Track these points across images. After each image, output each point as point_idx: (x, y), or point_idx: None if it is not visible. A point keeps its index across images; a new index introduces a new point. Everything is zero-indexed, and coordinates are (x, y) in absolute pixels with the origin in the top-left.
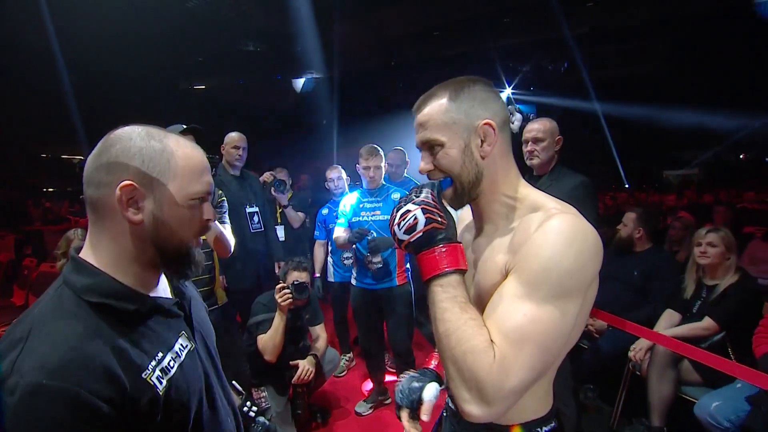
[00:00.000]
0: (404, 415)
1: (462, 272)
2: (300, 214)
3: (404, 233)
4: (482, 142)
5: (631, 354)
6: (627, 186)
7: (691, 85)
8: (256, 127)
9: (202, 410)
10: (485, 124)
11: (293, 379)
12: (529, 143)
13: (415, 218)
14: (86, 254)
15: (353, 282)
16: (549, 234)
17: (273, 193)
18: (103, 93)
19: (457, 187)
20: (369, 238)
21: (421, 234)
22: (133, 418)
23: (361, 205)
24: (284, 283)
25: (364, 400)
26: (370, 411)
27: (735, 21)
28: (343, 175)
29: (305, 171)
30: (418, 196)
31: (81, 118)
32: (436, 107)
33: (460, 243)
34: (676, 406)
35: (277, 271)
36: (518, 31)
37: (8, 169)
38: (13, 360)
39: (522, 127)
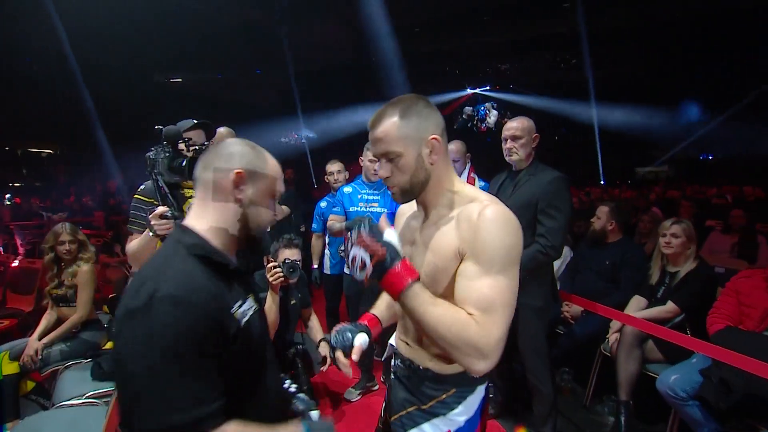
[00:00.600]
0: (338, 354)
1: (418, 278)
2: (284, 207)
3: (360, 273)
4: (430, 152)
5: (610, 336)
6: (603, 182)
7: (664, 86)
8: (235, 122)
9: (264, 360)
10: (433, 138)
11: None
12: (508, 141)
13: (362, 259)
14: (191, 222)
15: (346, 270)
16: (490, 223)
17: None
18: (76, 84)
19: (408, 188)
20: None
21: (371, 268)
22: (225, 334)
23: (359, 196)
24: (275, 261)
25: (353, 387)
26: (359, 397)
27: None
28: (343, 169)
29: (289, 165)
30: (353, 240)
31: (51, 112)
32: (390, 124)
33: (404, 258)
34: (640, 382)
35: (265, 263)
36: (498, 29)
37: None
38: (155, 281)
39: (497, 123)
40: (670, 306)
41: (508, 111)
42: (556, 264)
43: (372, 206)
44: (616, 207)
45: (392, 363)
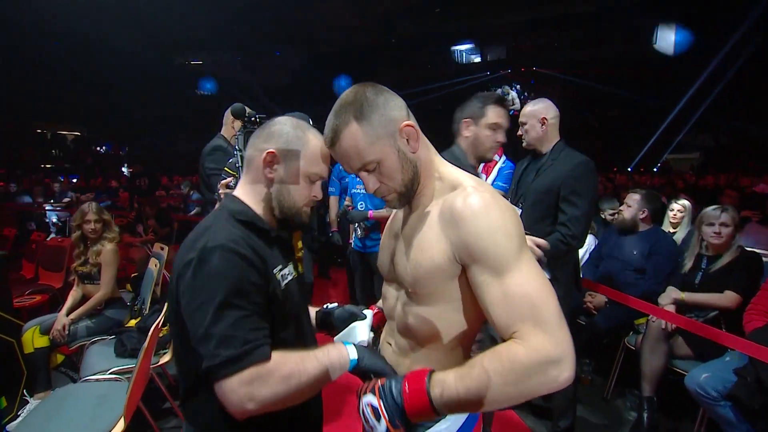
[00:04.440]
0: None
1: (431, 372)
2: None
3: (379, 424)
4: (408, 140)
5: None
6: (630, 169)
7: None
8: (252, 103)
9: (302, 323)
10: (405, 125)
11: None
12: (520, 127)
13: (371, 405)
14: (238, 193)
15: (351, 244)
16: (478, 219)
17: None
18: (99, 67)
19: (404, 190)
20: (348, 212)
21: (385, 413)
22: (268, 289)
23: (357, 179)
24: None
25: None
26: None
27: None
28: None
29: None
30: (361, 392)
31: (78, 95)
32: (352, 135)
33: (403, 376)
34: (666, 378)
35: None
36: (521, 7)
37: (6, 146)
38: (208, 236)
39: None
40: (729, 295)
41: (531, 92)
42: (580, 253)
43: (363, 188)
44: (648, 194)
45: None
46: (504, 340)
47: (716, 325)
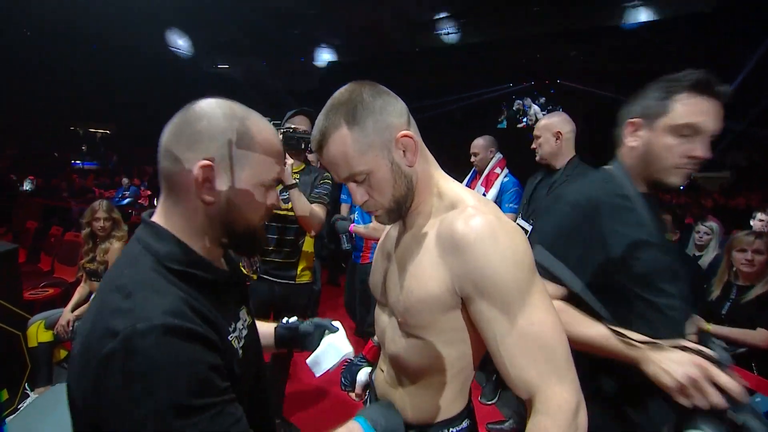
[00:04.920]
0: (351, 394)
1: None
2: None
3: None
4: (404, 152)
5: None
6: None
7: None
8: (278, 109)
9: (261, 378)
10: (402, 136)
11: None
12: (534, 140)
13: None
14: (161, 220)
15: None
16: (484, 247)
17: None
18: (126, 70)
19: (394, 207)
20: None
21: None
22: (227, 367)
23: None
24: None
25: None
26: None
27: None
28: None
29: None
30: None
31: (106, 94)
32: (341, 141)
33: None
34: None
35: None
36: (547, 19)
37: (40, 142)
38: (133, 312)
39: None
40: (762, 333)
41: (557, 106)
42: None
43: None
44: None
45: (366, 395)
46: (509, 380)
47: (746, 365)
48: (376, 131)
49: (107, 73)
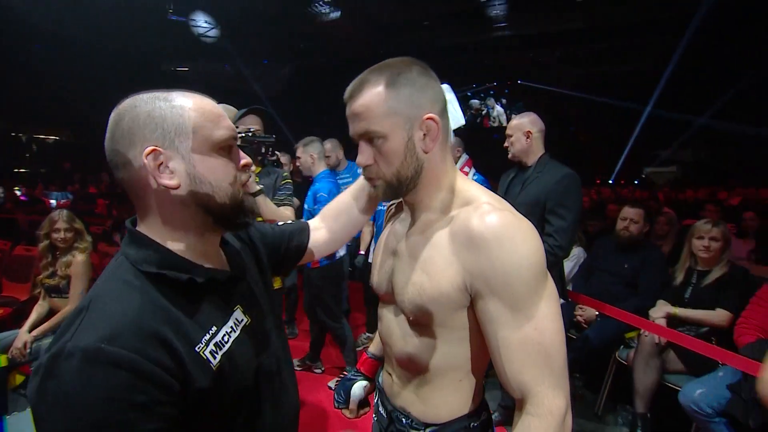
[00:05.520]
0: (344, 411)
1: None
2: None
3: None
4: (425, 136)
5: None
6: (611, 182)
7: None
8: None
9: (260, 384)
10: (428, 118)
11: None
12: (506, 139)
13: None
14: (140, 229)
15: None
16: (501, 245)
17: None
18: (81, 71)
19: (394, 183)
20: None
21: None
22: (189, 388)
23: (339, 180)
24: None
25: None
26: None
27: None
28: (339, 146)
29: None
30: None
31: (57, 97)
32: (374, 96)
33: None
34: (658, 394)
35: None
36: (511, 23)
37: None
38: (74, 329)
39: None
40: (720, 313)
41: (518, 105)
42: (569, 265)
43: (346, 187)
44: (647, 209)
45: (375, 398)
46: (504, 378)
47: (707, 341)
48: (407, 103)
49: (58, 75)
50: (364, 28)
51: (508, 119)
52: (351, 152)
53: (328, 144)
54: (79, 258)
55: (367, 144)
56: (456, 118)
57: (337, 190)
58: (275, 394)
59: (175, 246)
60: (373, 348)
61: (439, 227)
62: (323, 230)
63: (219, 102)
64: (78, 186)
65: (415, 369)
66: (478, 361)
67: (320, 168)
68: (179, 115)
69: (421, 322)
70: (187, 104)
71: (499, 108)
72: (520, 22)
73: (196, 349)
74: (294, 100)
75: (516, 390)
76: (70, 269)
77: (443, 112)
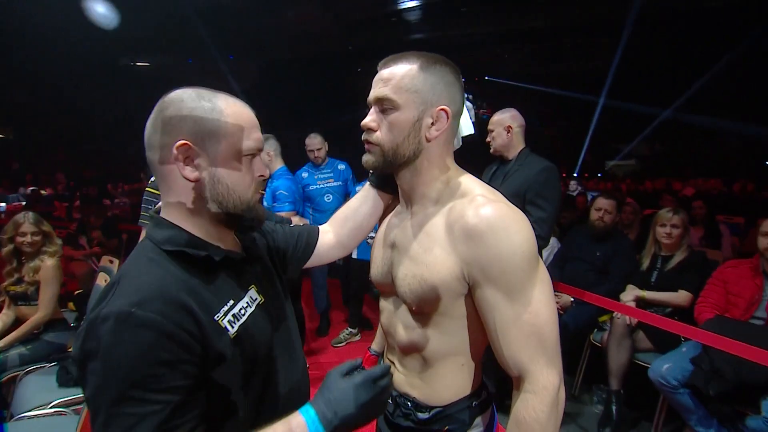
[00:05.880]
0: None
1: None
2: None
3: None
4: (432, 124)
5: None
6: (576, 175)
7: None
8: None
9: (274, 353)
10: (441, 109)
11: None
12: (488, 134)
13: None
14: (163, 214)
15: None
16: (498, 235)
17: None
18: (32, 65)
19: (390, 154)
20: None
21: None
22: (209, 352)
23: (315, 177)
24: None
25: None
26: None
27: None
28: (323, 143)
29: None
30: None
31: (4, 94)
32: (405, 70)
33: None
34: (630, 372)
35: None
36: (474, 20)
37: None
38: (108, 298)
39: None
40: (683, 294)
41: (484, 102)
42: (544, 254)
43: (328, 182)
44: (618, 200)
45: None
46: (502, 359)
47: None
48: (430, 89)
49: (3, 70)
50: (333, 24)
51: (476, 114)
52: (331, 150)
53: (316, 138)
54: (48, 262)
55: (378, 110)
56: (468, 126)
57: (296, 186)
58: (288, 360)
59: (194, 230)
60: (375, 345)
61: (435, 219)
62: (331, 234)
63: None
64: (30, 187)
65: (419, 356)
66: (476, 346)
67: (278, 165)
68: (216, 119)
69: (424, 311)
70: (226, 110)
71: (468, 103)
72: (487, 20)
73: (215, 317)
74: (262, 96)
75: (513, 369)
76: (39, 275)
77: (456, 114)
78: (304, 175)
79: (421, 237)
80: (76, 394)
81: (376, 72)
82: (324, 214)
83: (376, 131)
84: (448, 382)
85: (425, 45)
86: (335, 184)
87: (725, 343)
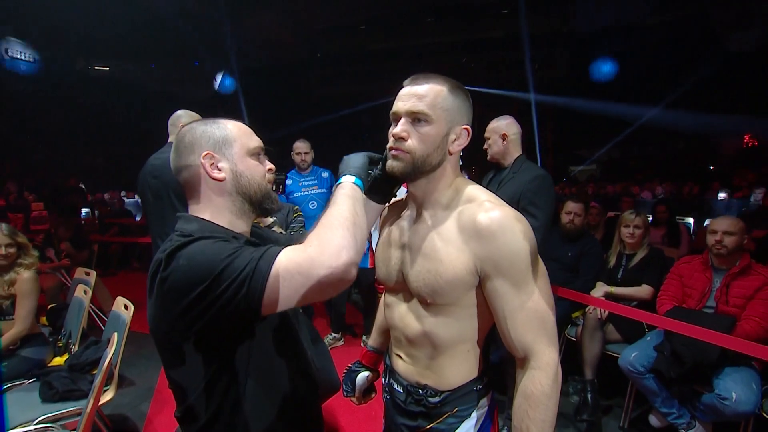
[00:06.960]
0: (352, 399)
1: None
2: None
3: None
4: (455, 140)
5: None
6: None
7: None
8: (168, 117)
9: (296, 325)
10: (465, 128)
11: None
12: (485, 142)
13: None
14: (192, 212)
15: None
16: (506, 234)
17: None
18: None
19: (419, 162)
20: None
21: None
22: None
23: (299, 184)
24: None
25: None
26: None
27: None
28: (310, 149)
29: None
30: None
31: None
32: (438, 90)
33: None
34: (602, 362)
35: None
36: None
37: None
38: (175, 242)
39: None
40: (645, 288)
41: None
42: None
43: (312, 189)
44: (587, 203)
45: (385, 380)
46: (509, 341)
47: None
48: (457, 109)
49: None
50: (299, 32)
51: None
52: (316, 158)
53: (305, 143)
54: (25, 275)
55: (410, 122)
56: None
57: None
58: (307, 334)
59: (222, 221)
60: (372, 342)
61: (446, 221)
62: None
63: (199, 112)
64: None
65: (429, 345)
66: (481, 333)
67: None
68: (224, 130)
69: (437, 302)
70: (228, 125)
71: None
72: (449, 30)
73: None
74: (228, 103)
75: (519, 350)
76: (16, 287)
77: (472, 130)
78: (289, 182)
79: (434, 238)
80: (62, 409)
81: (401, 87)
82: (308, 220)
83: (407, 140)
84: (456, 368)
85: (388, 54)
86: (320, 191)
87: (683, 327)
